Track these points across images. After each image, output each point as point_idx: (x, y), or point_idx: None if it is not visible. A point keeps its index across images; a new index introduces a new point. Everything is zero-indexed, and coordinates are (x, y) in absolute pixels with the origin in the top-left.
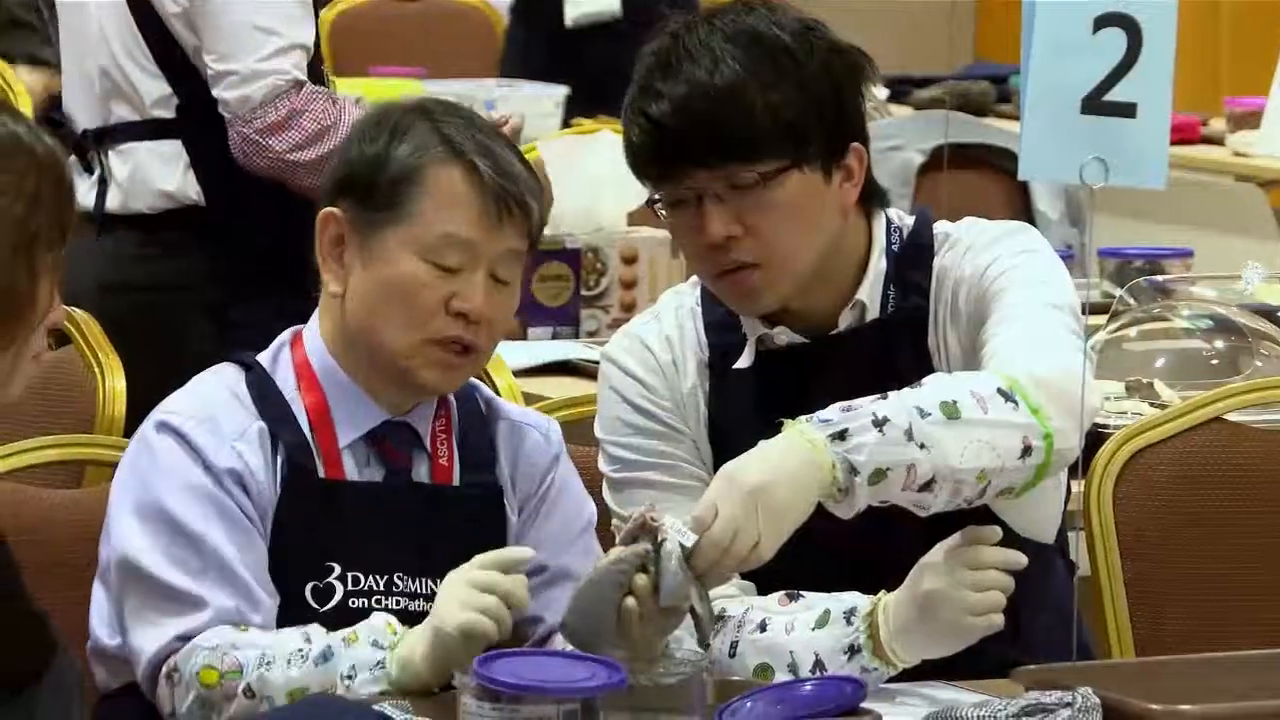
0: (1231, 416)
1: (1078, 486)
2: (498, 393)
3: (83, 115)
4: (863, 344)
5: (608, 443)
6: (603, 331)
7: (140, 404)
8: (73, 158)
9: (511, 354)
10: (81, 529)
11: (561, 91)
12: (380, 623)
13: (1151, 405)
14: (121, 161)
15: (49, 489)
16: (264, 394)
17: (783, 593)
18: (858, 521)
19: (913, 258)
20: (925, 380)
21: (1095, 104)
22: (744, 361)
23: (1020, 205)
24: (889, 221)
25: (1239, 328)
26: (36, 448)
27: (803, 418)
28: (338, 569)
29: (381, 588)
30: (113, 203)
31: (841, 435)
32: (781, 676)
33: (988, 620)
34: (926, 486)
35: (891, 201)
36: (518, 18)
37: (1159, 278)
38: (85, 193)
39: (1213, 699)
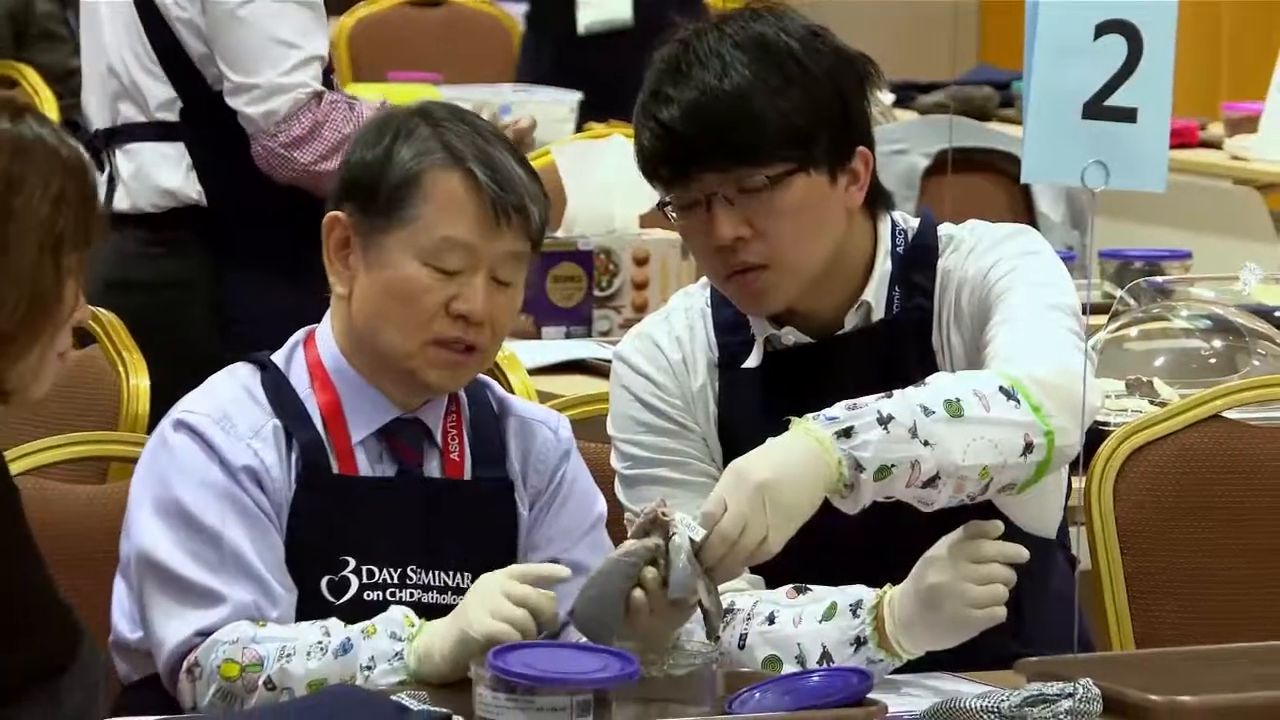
0: (1229, 414)
1: (1079, 482)
2: (512, 391)
3: (96, 115)
4: (868, 344)
5: (619, 440)
6: (615, 331)
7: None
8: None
9: (526, 353)
10: (105, 524)
11: (575, 97)
12: (398, 615)
13: (1151, 403)
14: (128, 160)
15: (74, 485)
16: (278, 392)
17: (790, 586)
18: (863, 517)
19: (917, 259)
20: (929, 379)
21: (1096, 109)
22: (752, 361)
23: (1023, 208)
24: (894, 224)
25: (1236, 327)
26: (62, 444)
27: (809, 415)
28: (352, 563)
29: (395, 581)
30: (120, 202)
31: (847, 433)
32: (789, 668)
33: (990, 613)
34: (930, 483)
35: (896, 204)
36: (532, 25)
37: (1158, 279)
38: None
39: (1210, 690)
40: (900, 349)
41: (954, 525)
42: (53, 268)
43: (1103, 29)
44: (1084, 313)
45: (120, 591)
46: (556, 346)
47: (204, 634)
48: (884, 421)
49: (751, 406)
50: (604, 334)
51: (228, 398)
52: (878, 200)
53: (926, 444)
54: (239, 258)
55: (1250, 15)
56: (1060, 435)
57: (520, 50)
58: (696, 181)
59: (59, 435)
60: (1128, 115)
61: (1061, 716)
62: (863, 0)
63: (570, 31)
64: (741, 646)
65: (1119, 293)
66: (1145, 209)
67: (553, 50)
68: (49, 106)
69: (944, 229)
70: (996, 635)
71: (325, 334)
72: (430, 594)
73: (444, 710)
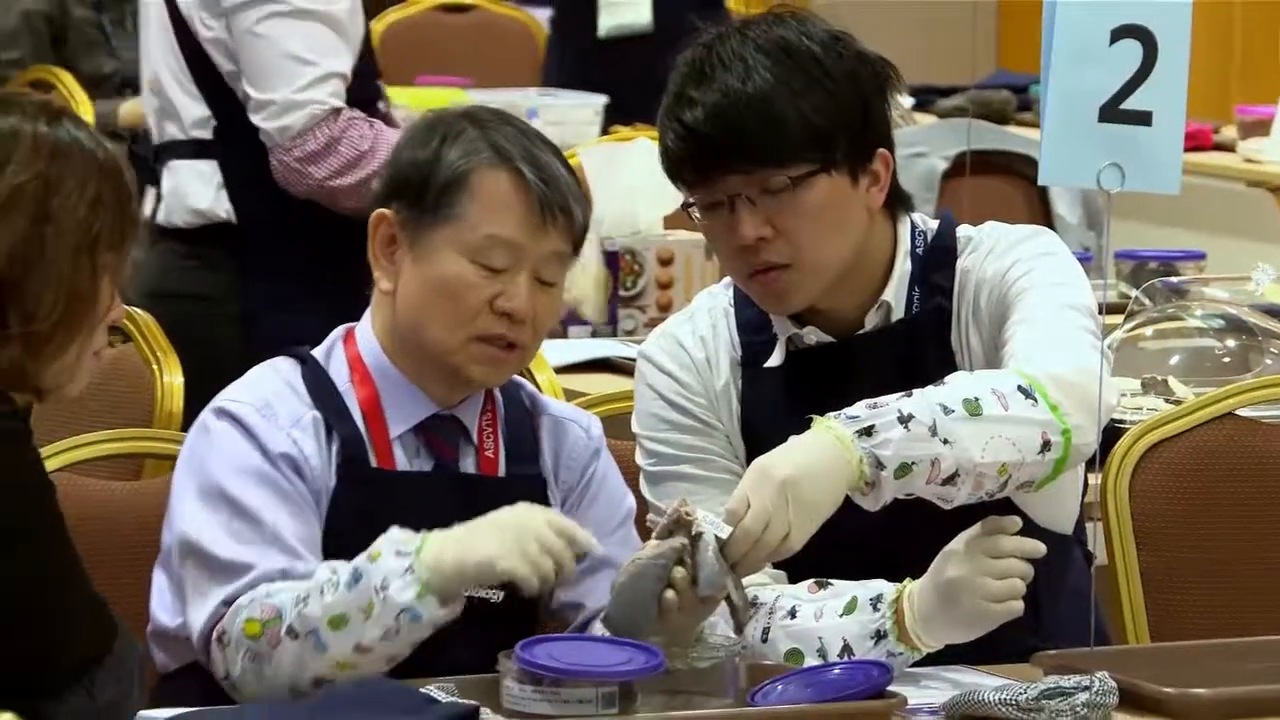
0: (1242, 412)
1: (1095, 479)
2: (539, 388)
3: (152, 131)
4: (888, 343)
5: (644, 437)
6: (640, 330)
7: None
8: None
9: (552, 351)
10: (140, 519)
11: (600, 100)
12: (398, 533)
13: (1166, 401)
14: (170, 177)
15: (109, 481)
16: (318, 386)
17: (812, 581)
18: (884, 513)
19: (936, 260)
20: (948, 378)
21: (1112, 112)
22: (775, 360)
23: (1040, 209)
24: (913, 225)
25: (1250, 327)
26: (97, 441)
27: (831, 414)
28: None
29: None
30: (161, 216)
31: (868, 431)
32: (811, 661)
33: (1008, 607)
34: (950, 480)
35: (916, 206)
36: (556, 30)
37: (1173, 279)
38: (148, 205)
39: (1225, 683)
40: (920, 348)
41: (972, 521)
42: (89, 268)
43: (1118, 34)
44: (1100, 312)
45: (159, 582)
46: (582, 345)
47: (229, 602)
48: (904, 420)
49: (774, 405)
50: (629, 333)
51: (269, 389)
52: (898, 202)
53: (946, 442)
54: (263, 272)
55: (1263, 20)
56: (1077, 433)
57: (545, 54)
58: (720, 182)
59: (94, 432)
60: (1143, 119)
61: (1078, 709)
62: (883, 5)
63: (593, 36)
64: (764, 640)
65: (1134, 293)
66: (1160, 211)
67: (576, 55)
68: (85, 110)
69: (963, 230)
70: (1014, 629)
71: (365, 330)
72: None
73: (472, 702)
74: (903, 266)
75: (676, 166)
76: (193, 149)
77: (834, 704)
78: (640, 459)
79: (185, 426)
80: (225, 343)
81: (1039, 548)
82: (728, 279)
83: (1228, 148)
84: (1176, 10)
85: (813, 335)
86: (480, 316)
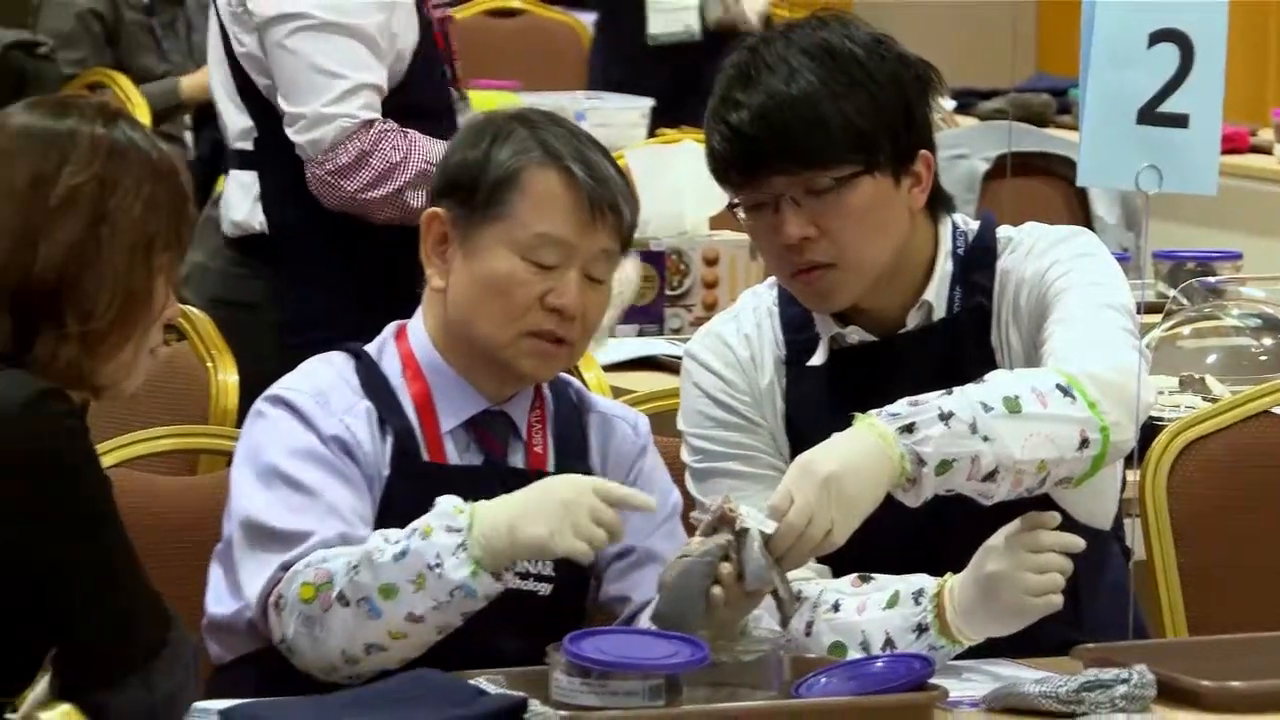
0: (1278, 410)
1: (1133, 476)
2: (587, 386)
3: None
4: (930, 342)
5: (690, 434)
6: (685, 329)
7: None
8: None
9: (600, 349)
10: (195, 515)
11: (647, 103)
12: (447, 507)
13: (1203, 399)
14: (225, 185)
15: (164, 476)
16: (371, 381)
17: (855, 575)
18: (925, 509)
19: (977, 260)
20: (988, 376)
21: (1150, 115)
22: (818, 358)
23: (1079, 210)
24: (954, 226)
25: None
26: (153, 437)
27: (873, 412)
28: None
29: None
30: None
31: (910, 428)
32: (854, 654)
33: (1047, 600)
34: (990, 477)
35: (957, 207)
36: (603, 34)
37: (1210, 279)
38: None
39: (1260, 675)
40: (960, 347)
41: (1012, 517)
42: (144, 268)
43: (1156, 38)
44: (1138, 312)
45: (215, 575)
46: (629, 344)
47: (287, 567)
48: (945, 417)
49: (817, 402)
50: (675, 332)
51: (324, 380)
52: (939, 203)
53: (986, 439)
54: (297, 282)
55: None
56: (1115, 430)
57: (590, 58)
58: (765, 183)
59: (151, 429)
60: (1180, 121)
61: (1117, 701)
62: (924, 9)
63: (640, 41)
64: (808, 633)
65: (1172, 292)
66: (1197, 211)
67: (623, 59)
68: (141, 112)
69: (1003, 231)
70: (1054, 623)
71: (417, 327)
72: (510, 576)
73: (521, 694)
74: (944, 267)
75: (723, 167)
76: (237, 160)
77: (877, 696)
78: (686, 456)
79: (238, 424)
80: (266, 350)
81: (1078, 543)
82: (772, 279)
83: (1264, 150)
84: (1213, 14)
85: (855, 334)
86: (530, 312)
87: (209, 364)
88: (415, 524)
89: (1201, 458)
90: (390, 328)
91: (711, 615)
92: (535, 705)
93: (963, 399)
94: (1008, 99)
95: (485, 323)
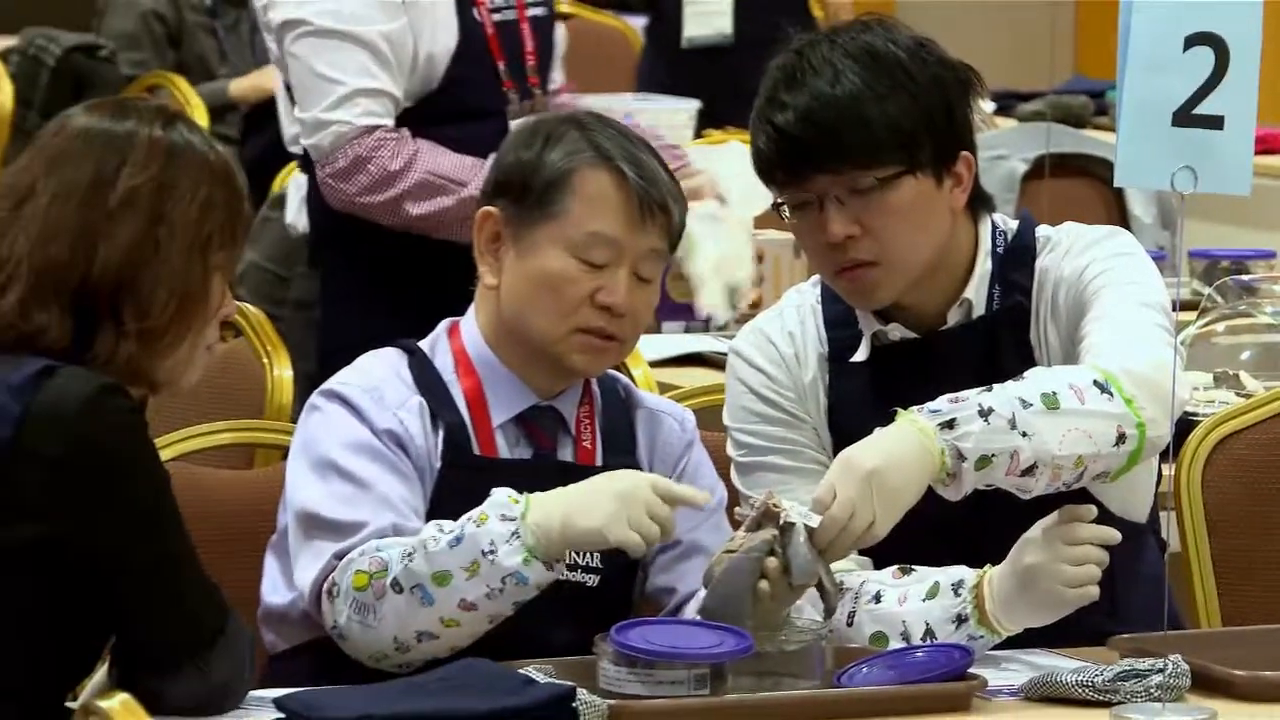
0: None
1: (1169, 470)
2: (635, 382)
3: None
4: (970, 339)
5: (735, 429)
6: (731, 326)
7: None
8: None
9: (647, 346)
10: (251, 507)
11: (694, 105)
12: (502, 497)
13: (1237, 395)
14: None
15: (221, 470)
16: (424, 376)
17: (896, 567)
18: (964, 503)
19: (1016, 259)
20: (1027, 373)
21: (1185, 117)
22: (860, 355)
23: (1116, 210)
24: (994, 225)
25: None
26: (210, 431)
27: (914, 408)
28: None
29: None
30: None
31: (950, 424)
32: (895, 644)
33: (1084, 592)
34: (1028, 471)
35: (997, 207)
36: (650, 37)
37: (1244, 277)
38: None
39: None
40: (1000, 344)
41: (1049, 510)
42: (201, 267)
43: (1191, 41)
44: (1173, 309)
45: (271, 565)
46: (676, 340)
47: (341, 555)
48: (984, 414)
49: (860, 398)
50: (720, 329)
51: (377, 375)
52: (979, 202)
53: (1025, 435)
54: (334, 283)
55: None
56: (1151, 426)
57: (640, 61)
58: (810, 182)
59: (208, 423)
60: (1215, 123)
61: (1152, 690)
62: (966, 15)
63: (678, 45)
64: (850, 623)
65: (1207, 290)
66: (1231, 211)
67: (667, 62)
68: (199, 114)
69: (1041, 230)
70: (1090, 613)
71: (469, 324)
72: (559, 567)
73: (569, 683)
74: (984, 265)
75: (768, 167)
76: (298, 162)
77: (917, 685)
78: (731, 450)
79: (294, 419)
80: (307, 348)
81: (1114, 535)
82: (816, 277)
83: None
84: (1248, 18)
85: (897, 331)
86: (581, 309)
87: (265, 360)
88: (470, 513)
89: (1235, 452)
90: (444, 324)
91: (758, 608)
92: (583, 694)
93: (1002, 395)
94: (1046, 101)
95: (537, 319)
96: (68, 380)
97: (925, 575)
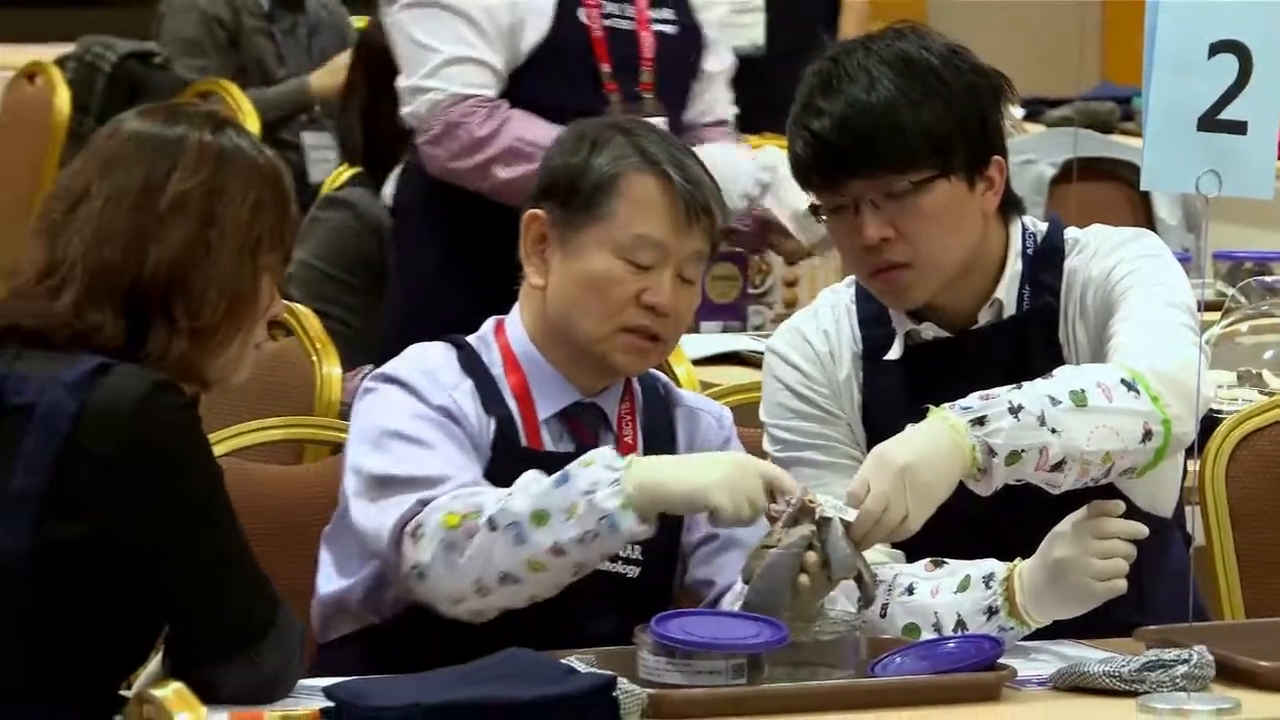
0: None
1: (1194, 466)
2: (676, 380)
3: None
4: (1000, 338)
5: (771, 425)
6: (767, 326)
7: None
8: None
9: (687, 345)
10: (301, 501)
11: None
12: (608, 451)
13: (1261, 393)
14: None
15: (271, 465)
16: (474, 369)
17: (928, 560)
18: (995, 498)
19: (1045, 260)
20: (1056, 371)
21: (1210, 122)
22: (894, 353)
23: (1142, 213)
24: (1024, 227)
25: None
26: (261, 428)
27: (946, 405)
28: None
29: None
30: None
31: (981, 421)
32: (927, 635)
33: (1112, 585)
34: (1057, 467)
35: (1026, 210)
36: None
37: (1268, 278)
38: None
39: None
40: (1029, 343)
41: (1078, 505)
42: (251, 268)
43: (1216, 48)
44: (1198, 309)
45: (325, 556)
46: (714, 340)
47: (425, 503)
48: (1014, 410)
49: (893, 395)
50: (757, 328)
51: (431, 363)
52: (1010, 205)
53: (1054, 431)
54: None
55: None
56: (1177, 423)
57: None
58: (845, 186)
59: (258, 420)
60: (1239, 128)
61: (1177, 680)
62: (995, 23)
63: None
64: (883, 615)
65: (1231, 291)
66: (1254, 214)
67: None
68: (250, 120)
69: (1070, 232)
70: (1118, 606)
71: (515, 322)
72: (603, 561)
73: (609, 672)
74: (1014, 266)
75: (805, 171)
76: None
77: (949, 675)
78: (767, 446)
79: (342, 416)
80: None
81: (1141, 529)
82: (850, 277)
83: None
84: (1272, 25)
85: (929, 330)
86: (627, 309)
87: (314, 358)
88: (578, 460)
89: (1259, 448)
90: (489, 323)
91: (796, 601)
92: (623, 683)
93: (1032, 393)
94: (1074, 107)
95: (584, 319)
96: (122, 378)
97: (957, 568)
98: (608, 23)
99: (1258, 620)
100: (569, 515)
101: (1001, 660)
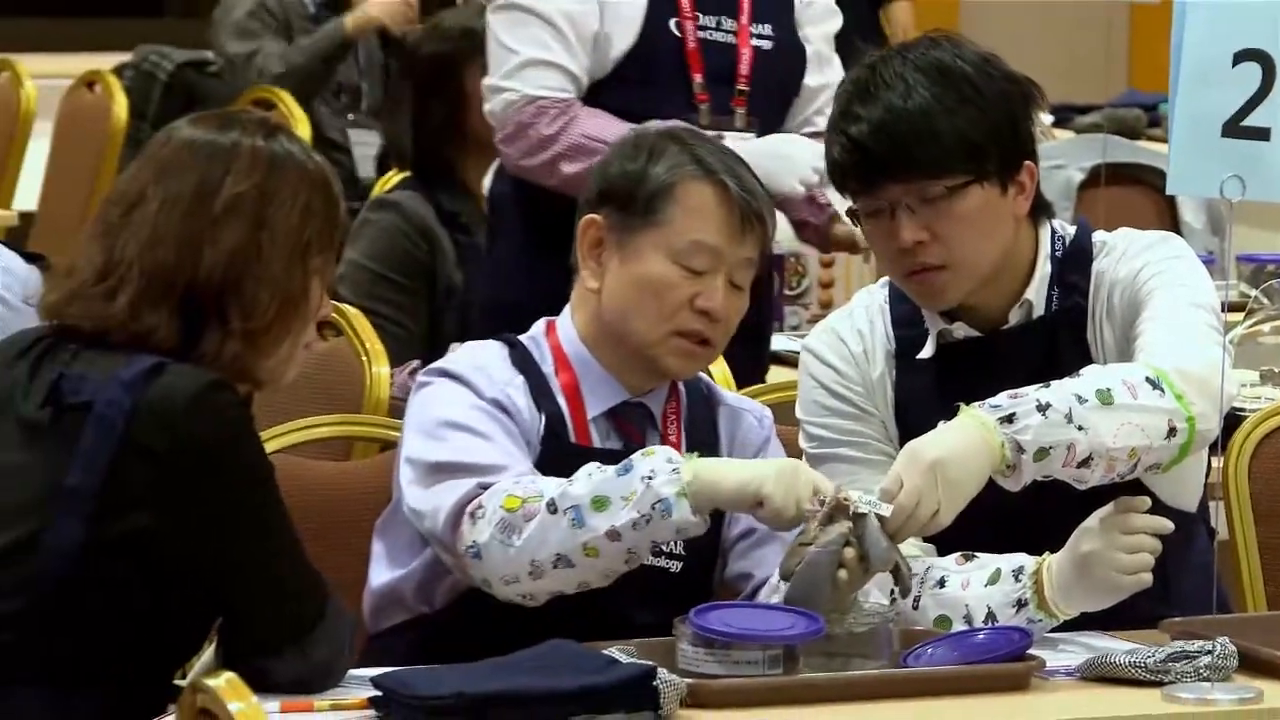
0: None
1: (1218, 462)
2: (714, 378)
3: None
4: (1030, 338)
5: (807, 423)
6: (803, 326)
7: None
8: None
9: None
10: (350, 496)
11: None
12: (669, 449)
13: None
14: None
15: (322, 461)
16: (526, 367)
17: (959, 554)
18: (1024, 493)
19: (1074, 262)
20: (1082, 371)
21: (1234, 128)
22: (926, 352)
23: (1168, 217)
24: (1053, 231)
25: None
26: (311, 425)
27: (976, 403)
28: None
29: None
30: None
31: (1010, 419)
32: (958, 626)
33: (1138, 578)
34: (1084, 463)
35: (1055, 213)
36: None
37: None
38: None
39: None
40: (1058, 343)
41: (1105, 501)
42: (301, 270)
43: (1240, 57)
44: (1222, 310)
45: (378, 547)
46: None
47: (484, 486)
48: (1042, 409)
49: (926, 393)
50: (794, 328)
51: (484, 359)
52: (1040, 209)
53: (1081, 428)
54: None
55: None
56: (1201, 420)
57: None
58: (882, 191)
59: (309, 417)
60: (1262, 134)
61: (1201, 671)
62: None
63: None
64: (915, 607)
65: (1254, 292)
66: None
67: None
68: (301, 127)
69: (1097, 235)
70: (1143, 598)
71: (566, 323)
72: (652, 553)
73: (650, 663)
74: (1044, 268)
75: (843, 176)
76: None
77: (980, 665)
78: (803, 443)
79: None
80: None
81: (1166, 524)
82: (884, 278)
83: None
84: None
85: (961, 330)
86: (680, 313)
87: (363, 358)
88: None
89: None
90: (541, 323)
91: (834, 595)
92: (663, 673)
93: (1059, 391)
94: (1102, 114)
95: (639, 321)
96: (176, 377)
97: (987, 562)
98: (703, 34)
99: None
100: (627, 501)
101: (1030, 651)
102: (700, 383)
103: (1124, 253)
